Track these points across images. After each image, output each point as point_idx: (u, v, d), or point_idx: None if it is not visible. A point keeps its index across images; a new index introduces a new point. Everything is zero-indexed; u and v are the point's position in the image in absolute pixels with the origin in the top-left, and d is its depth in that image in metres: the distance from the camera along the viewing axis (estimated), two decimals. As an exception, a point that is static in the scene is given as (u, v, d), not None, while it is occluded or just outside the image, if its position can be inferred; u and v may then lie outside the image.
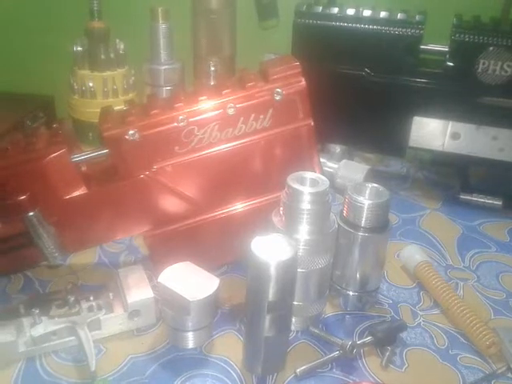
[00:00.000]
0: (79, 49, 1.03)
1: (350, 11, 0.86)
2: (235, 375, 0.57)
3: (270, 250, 0.51)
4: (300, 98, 0.64)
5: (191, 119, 0.62)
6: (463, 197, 0.90)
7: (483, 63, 0.81)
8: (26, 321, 0.58)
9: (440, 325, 0.65)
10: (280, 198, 0.59)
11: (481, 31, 0.81)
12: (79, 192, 0.62)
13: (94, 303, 0.61)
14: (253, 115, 0.63)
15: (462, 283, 0.72)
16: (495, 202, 0.89)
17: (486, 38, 0.80)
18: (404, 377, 0.58)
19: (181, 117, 0.61)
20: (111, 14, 1.04)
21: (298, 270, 0.57)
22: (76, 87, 1.03)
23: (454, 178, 0.97)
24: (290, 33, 0.89)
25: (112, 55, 1.03)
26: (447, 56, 0.84)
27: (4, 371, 0.56)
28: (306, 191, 0.57)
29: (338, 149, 0.95)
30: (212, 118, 0.62)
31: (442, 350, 0.62)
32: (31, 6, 1.18)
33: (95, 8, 1.00)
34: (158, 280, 0.58)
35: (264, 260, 0.50)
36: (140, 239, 0.70)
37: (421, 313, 0.67)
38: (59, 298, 0.61)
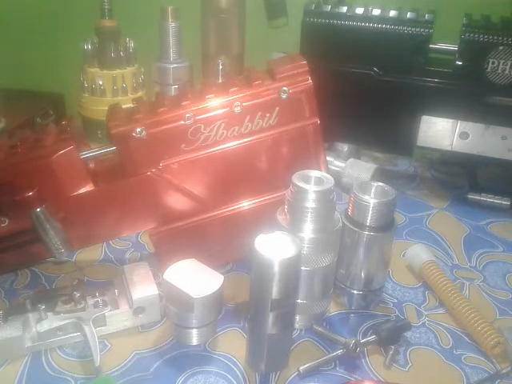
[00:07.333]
0: (89, 47, 1.04)
1: (359, 10, 0.86)
2: (238, 372, 0.57)
3: (274, 247, 0.51)
4: (306, 96, 0.64)
5: (198, 117, 0.62)
6: (471, 196, 0.90)
7: (493, 62, 0.81)
8: (32, 316, 0.59)
9: (445, 324, 0.65)
10: (285, 196, 0.59)
11: (491, 30, 0.80)
12: (86, 189, 0.63)
13: (99, 299, 0.61)
14: (259, 113, 0.63)
15: (468, 283, 0.72)
16: (503, 202, 0.88)
17: (495, 38, 0.80)
18: (407, 376, 0.58)
19: (188, 115, 0.62)
20: (122, 13, 1.04)
21: (303, 268, 0.58)
22: (86, 85, 1.04)
23: (462, 178, 0.97)
24: (299, 32, 0.89)
25: (122, 54, 1.04)
26: (456, 55, 0.83)
27: (10, 366, 0.57)
28: (311, 189, 0.57)
29: (345, 148, 0.95)
30: (218, 116, 0.63)
31: (447, 349, 0.61)
32: (42, 5, 1.18)
33: (106, 7, 1.01)
34: (163, 277, 0.58)
35: (268, 257, 0.50)
36: (146, 236, 0.71)
37: (426, 312, 0.67)
38: (65, 293, 0.61)
